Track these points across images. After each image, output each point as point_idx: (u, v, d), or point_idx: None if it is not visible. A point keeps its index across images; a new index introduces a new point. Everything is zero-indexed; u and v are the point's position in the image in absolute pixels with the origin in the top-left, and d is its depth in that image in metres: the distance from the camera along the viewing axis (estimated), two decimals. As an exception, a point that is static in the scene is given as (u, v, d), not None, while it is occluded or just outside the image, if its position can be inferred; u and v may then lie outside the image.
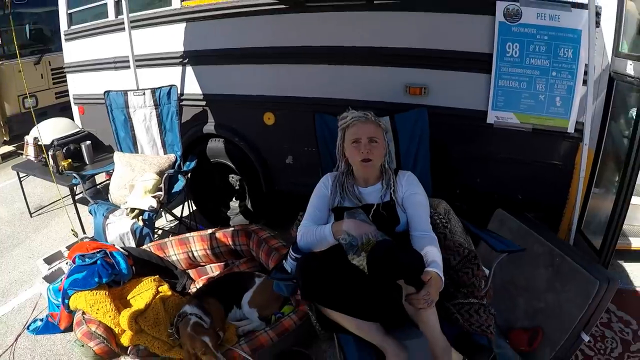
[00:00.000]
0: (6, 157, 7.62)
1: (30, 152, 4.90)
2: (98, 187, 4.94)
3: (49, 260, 3.61)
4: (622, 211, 2.95)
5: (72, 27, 4.87)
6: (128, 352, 2.69)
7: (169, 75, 4.03)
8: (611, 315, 3.05)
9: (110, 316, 2.74)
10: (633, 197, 3.50)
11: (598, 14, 2.91)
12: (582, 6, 2.81)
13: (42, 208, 5.34)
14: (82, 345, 2.66)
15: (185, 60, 3.91)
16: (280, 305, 2.94)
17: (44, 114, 6.60)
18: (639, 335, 2.91)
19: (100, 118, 4.44)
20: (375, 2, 3.09)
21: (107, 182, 4.43)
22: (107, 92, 4.06)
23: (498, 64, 2.96)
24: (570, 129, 2.99)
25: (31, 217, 5.15)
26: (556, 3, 2.90)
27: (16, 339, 3.20)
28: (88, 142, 4.73)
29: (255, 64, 3.57)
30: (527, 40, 2.92)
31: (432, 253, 2.07)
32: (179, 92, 3.88)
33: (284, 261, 2.36)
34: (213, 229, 3.47)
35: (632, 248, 3.50)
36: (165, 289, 2.99)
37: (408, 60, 3.09)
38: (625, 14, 2.99)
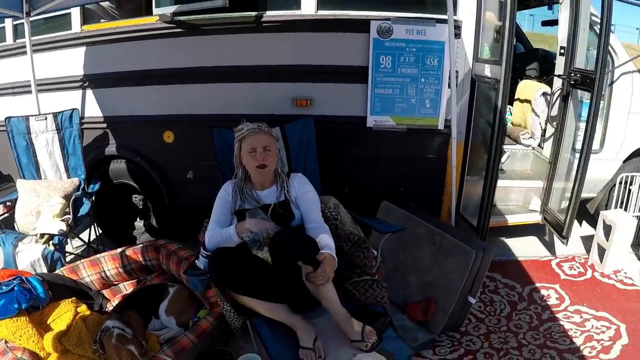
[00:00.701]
0: None
1: None
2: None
3: None
4: (491, 191, 3.39)
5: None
6: (56, 373, 2.72)
7: (70, 99, 4.01)
8: (497, 283, 3.50)
9: (34, 341, 2.73)
10: (505, 180, 4.05)
11: (458, 27, 3.38)
12: (444, 21, 3.25)
13: None
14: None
15: (86, 84, 3.92)
16: (195, 310, 3.09)
17: None
18: (523, 295, 3.37)
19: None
20: (263, 24, 3.35)
21: (6, 215, 4.28)
22: (8, 119, 3.94)
23: (373, 74, 3.34)
24: (440, 126, 3.44)
25: None
26: (422, 20, 3.33)
27: None
28: (-13, 171, 4.60)
29: (153, 84, 3.66)
30: (398, 53, 3.32)
31: (325, 239, 2.39)
32: (80, 115, 3.88)
33: (196, 260, 2.58)
34: (123, 248, 3.52)
35: (509, 224, 3.98)
36: (83, 309, 3.00)
37: (294, 75, 3.39)
38: (483, 25, 3.45)
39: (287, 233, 2.35)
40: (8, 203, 4.09)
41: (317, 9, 3.32)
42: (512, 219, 3.99)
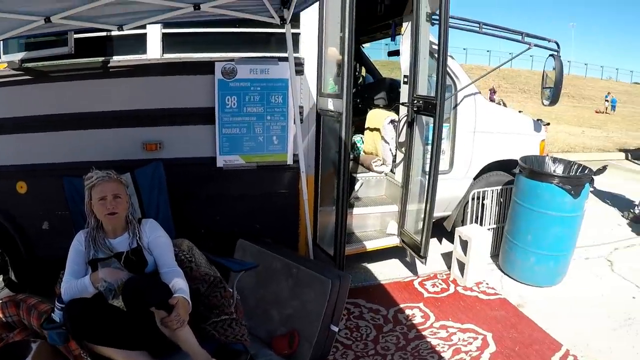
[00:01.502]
0: None
1: None
2: None
3: None
4: (343, 220, 3.54)
5: None
6: None
7: None
8: (362, 308, 3.61)
9: None
10: (361, 207, 4.24)
11: (301, 64, 3.56)
12: (287, 59, 3.40)
13: None
14: None
15: None
16: None
17: None
18: (388, 317, 3.49)
19: None
20: (110, 69, 3.40)
21: None
22: None
23: (220, 115, 3.48)
24: (290, 161, 3.62)
25: None
26: (265, 59, 3.49)
27: None
28: None
29: (4, 133, 3.56)
30: (243, 92, 3.48)
31: (179, 282, 2.46)
32: None
33: (52, 314, 2.60)
34: None
35: (368, 249, 4.15)
36: None
37: (143, 120, 3.44)
38: (325, 61, 3.65)
39: (138, 280, 2.40)
40: None
41: (163, 53, 3.44)
42: (371, 245, 4.16)
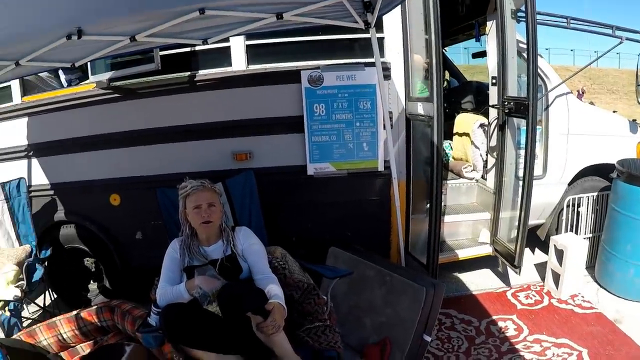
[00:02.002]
0: None
1: None
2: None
3: None
4: (436, 227, 3.40)
5: None
6: None
7: (16, 169, 4.05)
8: (453, 319, 3.47)
9: None
10: (452, 215, 4.07)
11: (387, 69, 3.47)
12: (373, 65, 3.32)
13: None
14: None
15: (31, 153, 3.98)
16: None
17: None
18: (481, 329, 3.34)
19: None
20: (197, 83, 3.44)
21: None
22: None
23: (309, 123, 3.42)
24: (380, 168, 3.50)
25: None
26: (351, 65, 3.42)
27: None
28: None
29: (97, 149, 3.72)
30: (330, 100, 3.42)
31: (274, 288, 2.41)
32: (27, 183, 3.91)
33: (148, 318, 2.62)
34: (78, 310, 3.51)
35: (460, 258, 3.98)
36: None
37: (232, 131, 3.45)
38: (411, 64, 3.55)
39: (234, 286, 2.39)
40: None
41: (248, 65, 3.44)
42: (463, 253, 4.01)
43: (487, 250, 4.05)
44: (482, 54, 4.61)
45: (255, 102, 3.44)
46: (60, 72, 4.29)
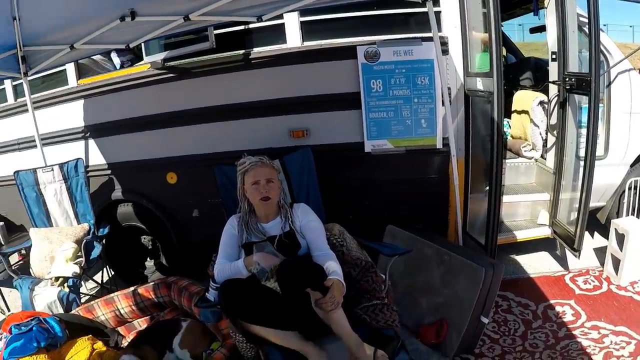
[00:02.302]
0: None
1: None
2: (13, 267, 4.91)
3: None
4: (496, 207, 3.30)
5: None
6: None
7: (74, 150, 4.13)
8: (510, 302, 3.38)
9: None
10: (510, 195, 3.97)
11: (445, 44, 3.38)
12: (430, 39, 3.25)
13: None
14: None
15: (87, 134, 4.04)
16: (208, 342, 3.06)
17: None
18: (538, 313, 3.25)
19: (8, 199, 4.49)
20: (252, 61, 3.42)
21: (21, 262, 4.49)
22: (17, 172, 4.08)
23: (366, 99, 3.36)
24: (439, 145, 3.42)
25: None
26: (408, 40, 3.34)
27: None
28: (1, 223, 4.77)
29: (153, 129, 3.75)
30: (388, 75, 3.34)
31: (332, 265, 2.38)
32: (85, 164, 3.98)
33: (206, 293, 2.62)
34: (135, 286, 3.56)
35: (518, 240, 3.88)
36: (99, 345, 3.05)
37: (288, 108, 3.42)
38: (469, 39, 3.45)
39: (293, 262, 2.37)
40: (23, 251, 4.25)
41: (303, 41, 3.39)
42: (521, 235, 3.90)
43: (545, 232, 3.93)
44: (541, 29, 4.48)
45: (311, 79, 3.39)
46: (113, 54, 4.34)
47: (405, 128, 3.40)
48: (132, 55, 4.37)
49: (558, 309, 3.29)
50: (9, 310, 4.16)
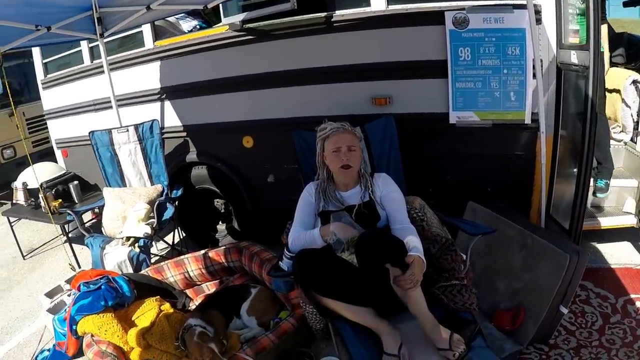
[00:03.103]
0: None
1: (19, 197, 5.04)
2: (86, 225, 5.03)
3: (50, 295, 3.70)
4: (584, 191, 3.08)
5: (49, 76, 5.02)
6: (139, 366, 2.82)
7: (149, 111, 4.17)
8: (589, 292, 3.20)
9: (118, 336, 2.85)
10: (597, 180, 3.70)
11: (538, 12, 3.14)
12: (523, 7, 3.02)
13: (33, 250, 5.40)
14: (94, 365, 2.78)
15: (164, 96, 4.06)
16: (277, 311, 3.09)
17: (22, 163, 6.68)
18: (617, 307, 3.04)
19: (84, 159, 4.60)
20: (334, 24, 3.29)
21: (94, 221, 4.60)
22: (92, 132, 4.18)
23: (453, 68, 3.17)
24: (527, 120, 3.18)
25: (24, 259, 5.23)
26: (499, 7, 3.13)
27: (24, 370, 3.29)
28: (75, 182, 4.90)
29: (230, 92, 3.72)
30: (477, 44, 3.13)
31: (413, 240, 2.29)
32: (160, 125, 4.01)
33: (279, 262, 2.57)
34: (206, 249, 3.60)
35: (602, 227, 3.67)
36: (167, 307, 3.12)
37: (371, 74, 3.28)
38: (564, 9, 3.22)
39: (373, 234, 2.28)
40: (96, 210, 4.36)
41: (388, 5, 3.22)
42: (606, 222, 3.68)
43: (631, 221, 3.67)
44: (634, 3, 4.16)
45: (396, 45, 3.23)
46: (181, 20, 4.35)
47: (492, 100, 3.20)
48: (202, 21, 4.36)
49: (638, 304, 3.07)
50: (79, 268, 4.26)
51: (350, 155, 2.49)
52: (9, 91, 5.61)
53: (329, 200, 2.55)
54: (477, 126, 3.22)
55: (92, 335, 2.90)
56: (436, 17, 3.14)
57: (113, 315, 2.95)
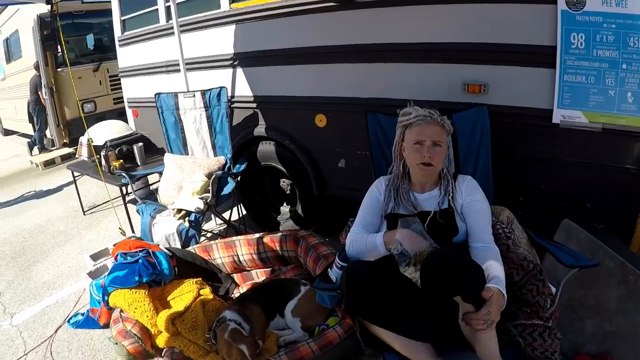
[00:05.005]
0: (65, 158, 8.13)
1: (83, 153, 5.05)
2: (150, 188, 4.98)
3: (95, 257, 3.68)
4: None
5: (126, 33, 4.94)
6: (162, 354, 2.65)
7: (219, 78, 3.98)
8: None
9: (147, 316, 2.70)
10: None
11: (670, -2, 2.65)
12: (651, -10, 2.51)
13: (95, 207, 5.57)
14: (116, 343, 2.65)
15: (235, 62, 3.84)
16: (325, 316, 2.76)
17: (101, 118, 6.93)
18: None
19: (152, 121, 4.47)
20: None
21: (158, 182, 4.49)
22: (158, 95, 4.07)
23: (563, 57, 2.69)
24: (645, 128, 2.71)
25: (84, 215, 5.38)
26: (624, -13, 2.65)
27: (55, 331, 3.29)
28: (140, 143, 4.82)
29: (306, 64, 3.44)
30: (593, 30, 2.64)
31: (494, 267, 1.89)
32: (229, 94, 3.81)
33: (329, 270, 2.24)
34: (261, 233, 3.38)
35: None
36: (207, 292, 2.94)
37: (465, 55, 2.86)
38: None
39: (447, 257, 1.80)
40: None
41: (493, -25, 2.77)
42: None
43: None
44: None
45: (497, 24, 2.78)
46: None
47: (606, 100, 2.70)
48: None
49: None
50: (132, 233, 4.21)
51: (434, 152, 2.14)
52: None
53: (400, 201, 2.21)
54: (583, 129, 2.74)
55: (121, 311, 2.77)
56: (547, -6, 2.68)
57: (147, 292, 2.80)
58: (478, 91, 2.86)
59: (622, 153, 2.76)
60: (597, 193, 2.84)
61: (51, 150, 8.69)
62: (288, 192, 4.20)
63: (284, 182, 4.19)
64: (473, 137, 2.71)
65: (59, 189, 6.68)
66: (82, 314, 3.19)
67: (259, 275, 3.42)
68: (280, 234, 3.34)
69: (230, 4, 3.78)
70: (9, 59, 9.98)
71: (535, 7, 2.72)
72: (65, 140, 8.24)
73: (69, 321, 3.20)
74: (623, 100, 2.69)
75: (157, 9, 4.42)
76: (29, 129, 9.45)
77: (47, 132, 8.64)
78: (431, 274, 1.78)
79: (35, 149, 8.77)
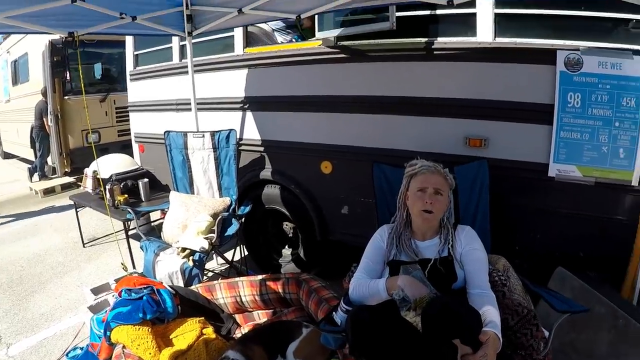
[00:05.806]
0: (66, 187, 8.08)
1: (88, 185, 5.10)
2: (152, 224, 5.02)
3: (96, 291, 3.68)
4: None
5: (138, 68, 5.08)
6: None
7: (228, 119, 4.09)
8: None
9: (150, 353, 2.69)
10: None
11: (662, 61, 2.82)
12: (644, 53, 2.68)
13: (95, 239, 5.52)
14: (118, 379, 2.65)
15: (245, 106, 3.97)
16: (326, 358, 2.77)
17: (105, 149, 6.89)
18: None
19: (159, 157, 4.56)
20: (434, 52, 3.06)
21: (161, 220, 4.52)
22: (167, 132, 4.15)
23: (560, 114, 2.87)
24: (635, 182, 2.83)
25: (84, 247, 5.33)
26: (617, 51, 2.81)
27: (53, 364, 3.24)
28: (145, 179, 4.88)
29: (314, 111, 3.58)
30: (589, 90, 2.82)
31: (491, 312, 2.00)
32: (237, 136, 3.92)
33: (333, 313, 2.33)
34: (263, 275, 3.42)
35: None
36: (209, 331, 2.95)
37: (467, 111, 3.02)
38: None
39: (446, 304, 1.93)
40: (166, 209, 4.22)
41: (495, 37, 2.96)
42: None
43: None
44: None
45: (499, 82, 2.96)
46: (277, 33, 4.31)
47: (599, 155, 2.87)
48: (298, 36, 4.28)
49: None
50: (133, 268, 4.23)
51: (435, 199, 2.27)
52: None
53: (402, 248, 2.32)
54: (577, 182, 2.89)
55: (123, 347, 2.78)
56: (547, 56, 2.85)
57: (150, 329, 2.81)
58: (479, 145, 3.01)
59: (613, 205, 2.92)
60: (590, 243, 2.97)
61: (52, 178, 8.70)
62: (291, 235, 4.24)
63: (287, 225, 4.23)
64: (473, 189, 2.85)
65: (58, 218, 6.65)
66: (81, 348, 3.21)
67: (261, 316, 3.45)
68: (283, 276, 3.38)
69: (244, 49, 3.94)
70: (15, 82, 10.05)
71: (535, 68, 2.90)
72: (66, 169, 8.27)
73: (67, 355, 3.23)
74: (615, 156, 2.85)
75: (171, 47, 4.57)
76: (29, 154, 9.48)
77: (49, 160, 8.67)
78: (431, 321, 1.90)
79: (36, 176, 8.74)
